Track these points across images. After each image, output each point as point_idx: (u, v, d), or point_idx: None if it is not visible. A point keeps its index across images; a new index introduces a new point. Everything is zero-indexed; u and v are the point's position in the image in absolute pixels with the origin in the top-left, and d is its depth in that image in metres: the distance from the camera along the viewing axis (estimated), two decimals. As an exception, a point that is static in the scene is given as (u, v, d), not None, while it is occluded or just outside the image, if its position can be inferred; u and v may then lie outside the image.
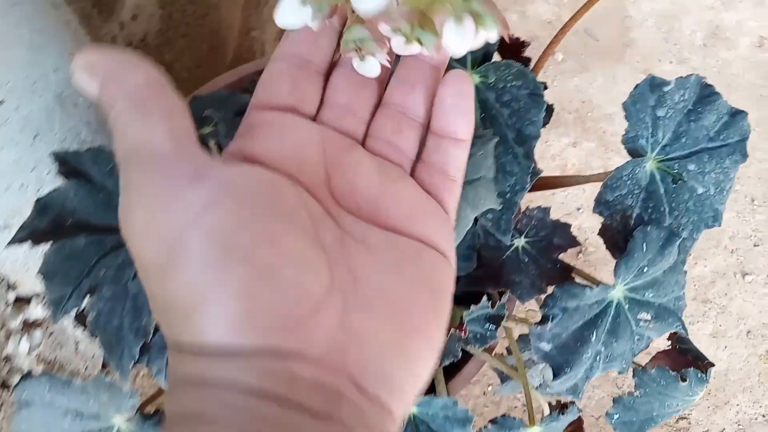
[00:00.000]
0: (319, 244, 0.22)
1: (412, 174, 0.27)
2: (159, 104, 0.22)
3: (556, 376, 0.40)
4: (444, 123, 0.26)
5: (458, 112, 0.26)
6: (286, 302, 0.20)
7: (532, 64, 0.45)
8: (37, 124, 0.42)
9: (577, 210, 0.95)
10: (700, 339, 0.88)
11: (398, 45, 0.24)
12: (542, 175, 0.46)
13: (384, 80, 0.28)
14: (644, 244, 0.38)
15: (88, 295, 0.38)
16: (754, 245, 0.93)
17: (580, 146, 0.99)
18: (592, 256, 0.91)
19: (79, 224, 0.39)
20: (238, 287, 0.20)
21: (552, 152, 0.99)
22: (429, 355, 0.23)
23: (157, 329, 0.42)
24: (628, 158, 0.42)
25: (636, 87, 0.41)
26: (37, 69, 0.40)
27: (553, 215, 0.46)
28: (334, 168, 0.25)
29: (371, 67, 0.25)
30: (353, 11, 0.24)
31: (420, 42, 0.23)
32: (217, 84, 0.54)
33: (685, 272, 0.41)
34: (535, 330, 0.40)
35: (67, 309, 0.38)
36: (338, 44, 0.27)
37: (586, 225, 0.93)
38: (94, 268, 0.39)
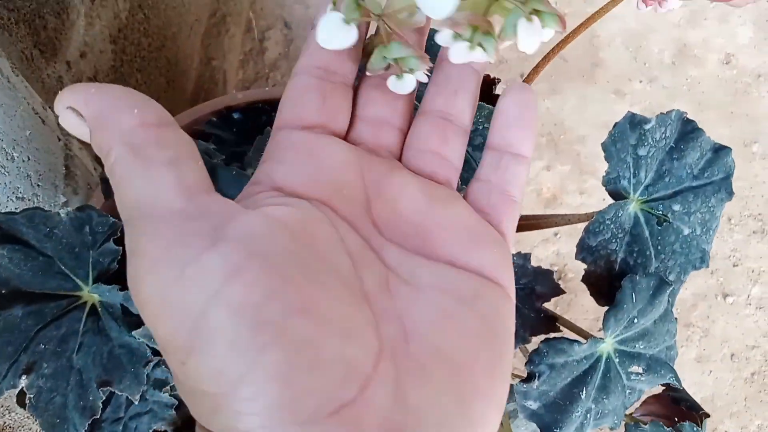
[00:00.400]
0: (362, 297, 0.19)
1: (466, 193, 0.24)
2: (162, 149, 0.18)
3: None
4: (506, 136, 0.23)
5: (522, 124, 0.23)
6: (330, 383, 0.17)
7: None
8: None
9: (554, 235, 0.93)
10: (685, 364, 0.87)
11: (458, 52, 0.22)
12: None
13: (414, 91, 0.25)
14: (633, 294, 0.36)
15: (25, 375, 0.34)
16: (734, 265, 0.92)
17: (555, 170, 0.98)
18: (572, 282, 0.89)
19: (15, 294, 0.35)
20: (274, 370, 0.16)
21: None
22: (494, 417, 0.20)
23: (107, 403, 0.39)
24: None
25: (615, 126, 0.39)
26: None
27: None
28: (374, 192, 0.22)
29: (409, 83, 0.23)
30: (387, 28, 0.22)
31: (483, 47, 0.22)
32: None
33: (676, 320, 0.39)
34: (521, 388, 0.37)
35: (1, 390, 0.34)
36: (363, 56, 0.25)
37: (565, 250, 0.91)
38: (33, 341, 0.35)
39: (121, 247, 0.36)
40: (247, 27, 1.07)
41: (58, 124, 0.51)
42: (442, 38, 0.22)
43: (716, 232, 0.42)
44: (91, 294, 0.36)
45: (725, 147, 0.40)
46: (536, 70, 0.36)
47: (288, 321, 0.17)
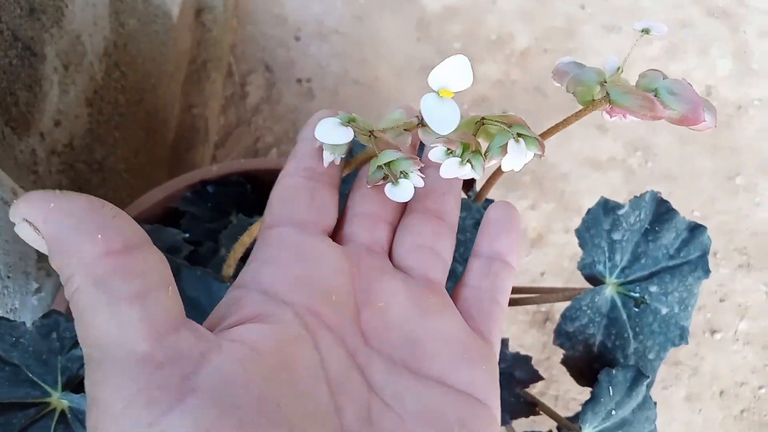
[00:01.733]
0: (355, 415, 0.19)
1: (456, 299, 0.24)
2: (128, 281, 0.17)
3: None
4: (494, 244, 0.25)
5: (508, 233, 0.25)
6: None
7: (477, 186, 0.42)
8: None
9: (540, 275, 0.92)
10: (674, 404, 0.86)
11: (449, 168, 0.24)
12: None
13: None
14: (610, 388, 0.35)
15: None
16: (720, 300, 0.92)
17: (540, 208, 0.98)
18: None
19: (-22, 410, 0.34)
20: None
21: (511, 216, 0.97)
22: None
23: None
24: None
25: (588, 212, 0.38)
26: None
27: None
28: (364, 299, 0.22)
29: (407, 189, 0.24)
30: (379, 137, 0.24)
31: (472, 165, 0.24)
32: (142, 204, 0.50)
33: (655, 404, 0.39)
34: (502, 481, 0.37)
35: None
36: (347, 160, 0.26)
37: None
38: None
39: (77, 350, 0.35)
40: (228, 72, 1.07)
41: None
42: (435, 154, 0.23)
43: (694, 308, 0.42)
44: (60, 400, 0.35)
45: (700, 225, 0.40)
46: (489, 182, 0.36)
47: None
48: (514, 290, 0.46)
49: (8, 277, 0.43)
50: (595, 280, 0.40)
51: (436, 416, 0.20)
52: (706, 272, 0.40)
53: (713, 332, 0.90)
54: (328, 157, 0.24)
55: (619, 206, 0.39)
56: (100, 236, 0.17)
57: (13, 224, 0.17)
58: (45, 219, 0.17)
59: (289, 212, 0.23)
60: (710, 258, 0.95)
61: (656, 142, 1.04)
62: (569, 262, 0.94)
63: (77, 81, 0.65)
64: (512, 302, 0.45)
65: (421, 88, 1.07)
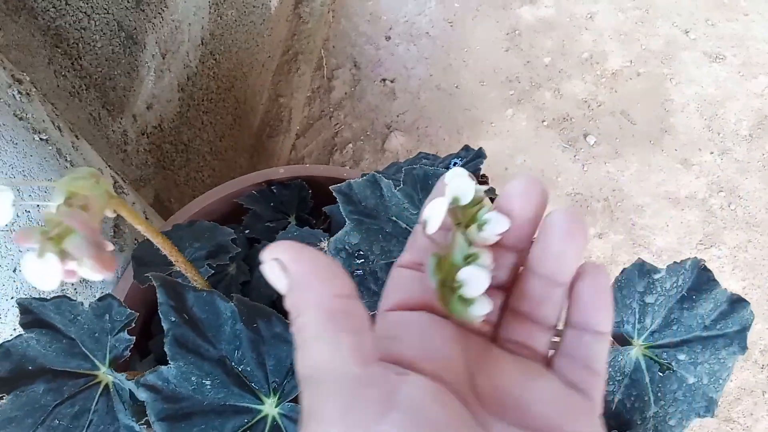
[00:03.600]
0: None
1: (552, 368, 0.26)
2: (350, 319, 0.21)
3: None
4: (584, 317, 0.25)
5: (598, 306, 0.25)
6: None
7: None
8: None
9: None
10: (720, 461, 0.83)
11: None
12: None
13: (507, 285, 0.27)
14: (616, 452, 0.35)
15: (42, 445, 0.38)
16: (788, 362, 0.87)
17: (607, 238, 0.95)
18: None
19: (40, 371, 0.39)
20: None
21: (575, 242, 0.95)
22: None
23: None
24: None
25: (623, 272, 0.38)
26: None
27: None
28: (476, 367, 0.24)
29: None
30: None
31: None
32: (210, 197, 0.54)
33: (667, 475, 0.38)
34: None
35: (22, 454, 0.39)
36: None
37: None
38: (50, 416, 0.38)
39: (134, 337, 0.39)
40: (318, 65, 1.11)
41: (115, 184, 0.56)
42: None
43: (727, 381, 0.40)
44: (106, 375, 0.39)
45: (743, 300, 0.39)
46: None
47: None
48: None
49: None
50: (623, 339, 0.39)
51: None
52: (743, 349, 0.39)
53: (775, 394, 0.85)
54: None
55: (655, 270, 0.38)
56: (335, 281, 0.21)
57: None
58: (294, 260, 0.21)
59: (403, 298, 0.25)
60: (785, 316, 0.90)
61: (743, 184, 0.98)
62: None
63: (172, 68, 0.71)
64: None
65: (502, 99, 1.06)
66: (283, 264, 0.21)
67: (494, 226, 0.24)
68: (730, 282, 0.92)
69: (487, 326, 0.26)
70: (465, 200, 0.24)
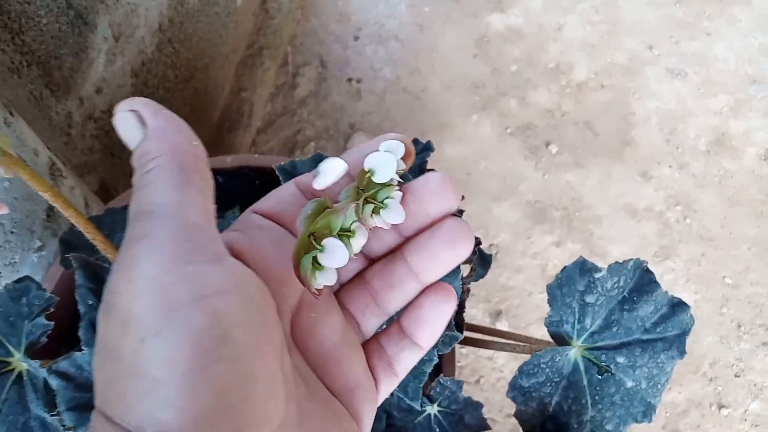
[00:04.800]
0: (282, 372, 0.22)
1: (364, 345, 0.27)
2: (201, 179, 0.21)
3: None
4: (413, 328, 0.26)
5: (430, 326, 0.25)
6: (251, 422, 0.19)
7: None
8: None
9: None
10: (666, 472, 0.83)
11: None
12: (477, 322, 0.43)
13: (371, 256, 0.27)
14: (548, 454, 0.34)
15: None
16: (735, 375, 0.88)
17: (564, 246, 0.95)
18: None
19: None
20: (216, 387, 0.18)
21: (534, 250, 0.95)
22: None
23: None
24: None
25: (564, 269, 0.38)
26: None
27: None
28: (307, 302, 0.25)
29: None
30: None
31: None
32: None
33: (600, 479, 0.37)
34: None
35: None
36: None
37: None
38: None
39: (52, 322, 0.37)
40: (284, 61, 1.09)
41: (52, 166, 0.53)
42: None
43: (666, 386, 0.40)
44: (20, 362, 0.37)
45: (684, 303, 0.39)
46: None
47: (243, 351, 0.19)
48: (480, 330, 0.45)
49: (12, 232, 0.45)
50: (561, 339, 0.39)
51: (333, 408, 0.24)
52: (682, 353, 0.39)
53: (721, 407, 0.86)
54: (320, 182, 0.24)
55: (597, 269, 0.38)
56: (193, 142, 0.21)
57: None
58: (155, 114, 0.21)
59: (275, 211, 0.25)
60: (733, 330, 0.91)
61: (700, 198, 1.00)
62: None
63: (126, 52, 0.68)
64: (472, 342, 0.45)
65: (467, 105, 1.06)
66: (141, 116, 0.21)
67: (390, 215, 0.24)
68: (683, 294, 0.93)
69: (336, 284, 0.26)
70: (380, 178, 0.23)
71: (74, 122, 0.62)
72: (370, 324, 0.27)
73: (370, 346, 0.27)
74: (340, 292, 0.27)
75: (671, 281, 0.93)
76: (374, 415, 0.26)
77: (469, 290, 0.49)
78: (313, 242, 0.22)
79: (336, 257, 0.22)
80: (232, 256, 0.21)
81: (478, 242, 0.46)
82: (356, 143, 1.02)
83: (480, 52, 1.11)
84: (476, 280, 0.47)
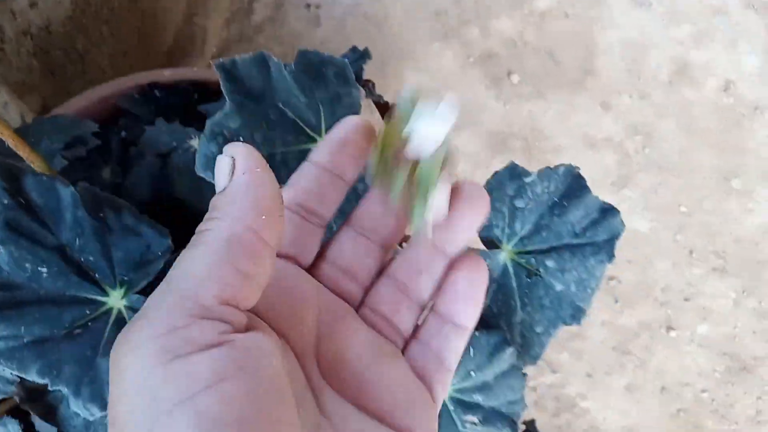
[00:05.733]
0: None
1: (406, 352, 0.25)
2: (248, 260, 0.19)
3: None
4: (451, 308, 0.25)
5: (468, 300, 0.24)
6: None
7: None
8: None
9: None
10: (614, 390, 0.87)
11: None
12: None
13: (388, 246, 0.26)
14: (471, 349, 0.35)
15: None
16: (685, 299, 0.91)
17: (523, 176, 0.96)
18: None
19: None
20: None
21: (493, 179, 0.95)
22: None
23: None
24: None
25: (495, 174, 0.38)
26: None
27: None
28: (326, 333, 0.24)
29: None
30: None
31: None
32: (90, 96, 0.50)
33: (524, 375, 0.38)
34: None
35: None
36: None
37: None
38: None
39: None
40: (239, -15, 1.05)
41: None
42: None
43: (596, 291, 0.41)
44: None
45: (613, 208, 0.39)
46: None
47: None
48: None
49: None
50: (491, 243, 0.39)
51: None
52: (610, 257, 0.39)
53: (670, 329, 0.89)
54: None
55: (527, 173, 0.38)
56: (265, 220, 0.19)
57: None
58: (243, 171, 0.20)
59: (302, 201, 0.24)
60: (685, 256, 0.93)
61: (659, 128, 1.00)
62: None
63: (62, -35, 0.65)
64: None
65: (429, 33, 1.04)
66: (235, 166, 0.20)
67: (431, 213, 0.23)
68: (639, 222, 0.95)
69: (357, 288, 0.25)
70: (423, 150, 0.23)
71: (7, 38, 0.59)
72: (406, 320, 0.25)
73: (412, 348, 0.25)
74: (365, 301, 0.25)
75: (628, 209, 0.95)
76: (436, 425, 0.24)
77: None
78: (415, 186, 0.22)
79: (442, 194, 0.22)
80: (243, 327, 0.19)
81: (369, 81, 0.45)
82: (315, 72, 1.00)
83: (443, -22, 1.08)
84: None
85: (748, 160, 0.99)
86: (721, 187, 0.97)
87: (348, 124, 0.25)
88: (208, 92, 0.52)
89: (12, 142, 0.36)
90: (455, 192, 0.24)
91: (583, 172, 0.98)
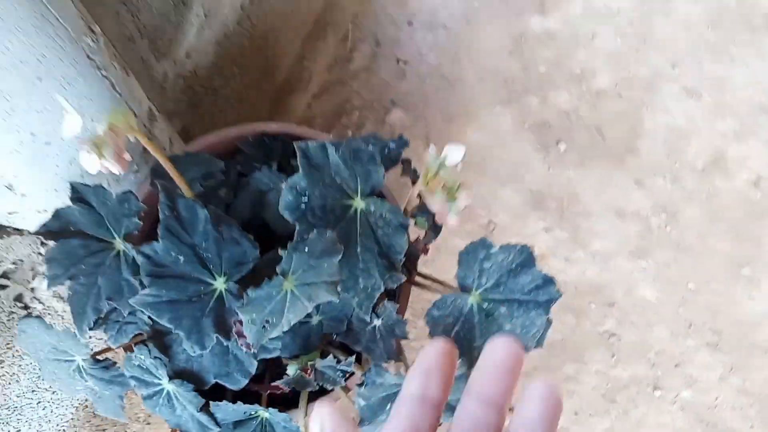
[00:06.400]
0: None
1: None
2: None
3: (362, 422, 0.57)
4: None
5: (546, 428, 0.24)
6: None
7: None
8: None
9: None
10: (593, 430, 1.00)
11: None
12: (426, 273, 0.62)
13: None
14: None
15: (69, 280, 0.58)
16: (675, 365, 1.03)
17: (552, 233, 1.11)
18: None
19: (77, 232, 0.58)
20: None
21: (526, 232, 1.11)
22: None
23: (112, 311, 0.61)
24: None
25: (471, 243, 0.55)
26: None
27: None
28: None
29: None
30: None
31: None
32: (219, 135, 0.72)
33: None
34: (357, 390, 0.57)
35: (57, 284, 0.58)
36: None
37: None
38: (79, 262, 0.58)
39: (141, 222, 0.58)
40: (344, 37, 1.27)
41: (150, 112, 0.74)
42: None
43: (537, 335, 0.58)
44: (119, 243, 0.58)
45: (552, 279, 0.56)
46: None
47: None
48: (426, 276, 0.64)
49: (120, 157, 0.66)
50: (465, 288, 0.57)
51: None
52: (547, 312, 0.56)
53: (656, 388, 1.02)
54: None
55: (492, 246, 0.55)
56: None
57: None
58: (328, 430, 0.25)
59: None
60: (683, 326, 1.05)
61: (684, 211, 1.12)
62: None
63: (212, 26, 0.88)
64: (418, 285, 0.63)
65: (494, 97, 1.21)
66: (323, 423, 0.26)
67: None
68: (648, 290, 1.08)
69: None
70: None
71: (168, 78, 0.82)
72: None
73: None
74: None
75: (641, 277, 1.08)
76: None
77: (427, 250, 0.67)
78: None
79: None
80: None
81: (409, 160, 0.63)
82: (393, 119, 1.20)
83: (515, 49, 1.25)
84: (429, 242, 0.65)
85: (763, 252, 1.09)
86: (730, 273, 1.08)
87: (432, 353, 0.27)
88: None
89: (172, 173, 0.58)
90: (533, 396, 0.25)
91: (606, 238, 1.12)
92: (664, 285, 1.07)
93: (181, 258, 0.54)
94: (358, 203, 0.56)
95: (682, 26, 1.26)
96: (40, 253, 0.72)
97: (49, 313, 0.75)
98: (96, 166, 0.42)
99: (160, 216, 0.54)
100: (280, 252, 0.51)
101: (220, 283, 0.54)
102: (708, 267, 1.09)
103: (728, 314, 1.05)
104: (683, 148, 1.17)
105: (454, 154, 0.43)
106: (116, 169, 0.43)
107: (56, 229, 0.58)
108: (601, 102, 1.20)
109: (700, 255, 1.09)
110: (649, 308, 1.06)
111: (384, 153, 0.63)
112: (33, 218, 0.64)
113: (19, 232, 0.67)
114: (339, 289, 0.53)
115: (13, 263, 0.68)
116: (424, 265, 0.68)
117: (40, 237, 0.72)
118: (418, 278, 0.65)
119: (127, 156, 0.44)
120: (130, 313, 0.59)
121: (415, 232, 0.60)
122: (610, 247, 1.10)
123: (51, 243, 0.64)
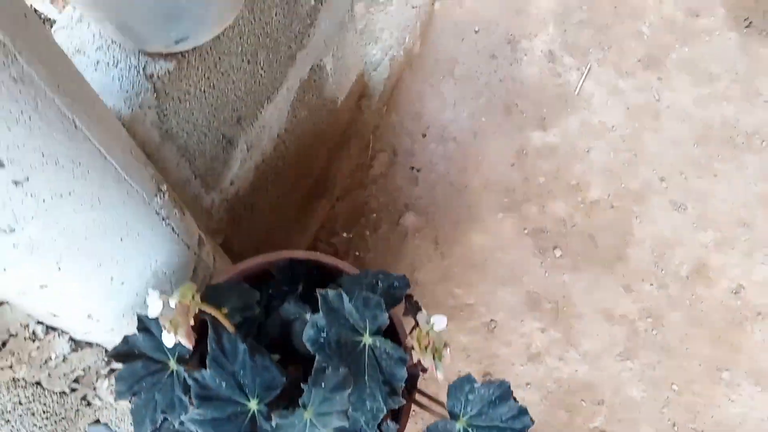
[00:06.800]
0: None
1: None
2: None
3: None
4: None
5: None
6: None
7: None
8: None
9: (526, 385, 1.18)
10: None
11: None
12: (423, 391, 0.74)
13: None
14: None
15: (132, 395, 0.72)
16: (658, 462, 1.12)
17: (548, 333, 1.22)
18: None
19: (141, 354, 0.72)
20: None
21: (523, 330, 1.23)
22: None
23: (164, 421, 0.74)
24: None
25: (458, 378, 0.68)
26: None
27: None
28: None
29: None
30: None
31: None
32: (252, 262, 0.86)
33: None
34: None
35: (124, 397, 0.72)
36: None
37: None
38: (140, 380, 0.72)
39: (191, 349, 0.71)
40: (365, 146, 1.42)
41: (200, 239, 0.89)
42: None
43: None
44: (173, 365, 0.72)
45: (526, 412, 0.68)
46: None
47: None
48: (426, 395, 0.76)
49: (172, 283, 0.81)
50: (454, 415, 0.69)
51: None
52: (522, 438, 0.68)
53: (640, 483, 1.10)
54: None
55: (475, 381, 0.67)
56: None
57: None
58: None
59: None
60: (669, 427, 1.15)
61: (669, 316, 1.23)
62: (552, 383, 1.18)
63: (253, 157, 1.03)
64: (422, 406, 0.75)
65: (497, 204, 1.35)
66: None
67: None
68: (634, 391, 1.18)
69: None
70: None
71: (215, 205, 0.98)
72: None
73: None
74: None
75: (627, 379, 1.18)
76: None
77: (426, 370, 0.79)
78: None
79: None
80: None
81: (411, 296, 0.76)
82: (407, 222, 1.34)
83: (517, 162, 1.39)
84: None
85: (742, 358, 1.19)
86: (711, 376, 1.18)
87: None
88: (325, 271, 0.87)
89: (217, 316, 0.72)
90: None
91: (595, 338, 1.23)
92: (650, 386, 1.18)
93: (224, 384, 0.67)
94: (367, 339, 0.69)
95: (671, 143, 1.40)
96: (103, 359, 0.86)
97: (105, 407, 0.89)
98: (172, 341, 0.56)
99: (209, 348, 0.68)
100: (302, 386, 0.64)
101: (253, 405, 0.67)
102: (690, 369, 1.18)
103: (709, 415, 1.14)
104: (669, 257, 1.29)
105: (439, 322, 0.57)
106: (187, 344, 0.57)
107: (124, 352, 0.72)
108: (594, 211, 1.33)
109: (683, 358, 1.20)
110: (635, 407, 1.16)
111: (390, 290, 0.77)
112: (103, 335, 0.79)
113: (89, 345, 0.81)
114: (349, 411, 0.66)
115: (83, 370, 0.82)
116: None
117: (106, 349, 0.86)
118: (418, 396, 0.77)
119: (191, 333, 0.59)
120: (180, 423, 0.72)
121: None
122: (599, 347, 1.20)
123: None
